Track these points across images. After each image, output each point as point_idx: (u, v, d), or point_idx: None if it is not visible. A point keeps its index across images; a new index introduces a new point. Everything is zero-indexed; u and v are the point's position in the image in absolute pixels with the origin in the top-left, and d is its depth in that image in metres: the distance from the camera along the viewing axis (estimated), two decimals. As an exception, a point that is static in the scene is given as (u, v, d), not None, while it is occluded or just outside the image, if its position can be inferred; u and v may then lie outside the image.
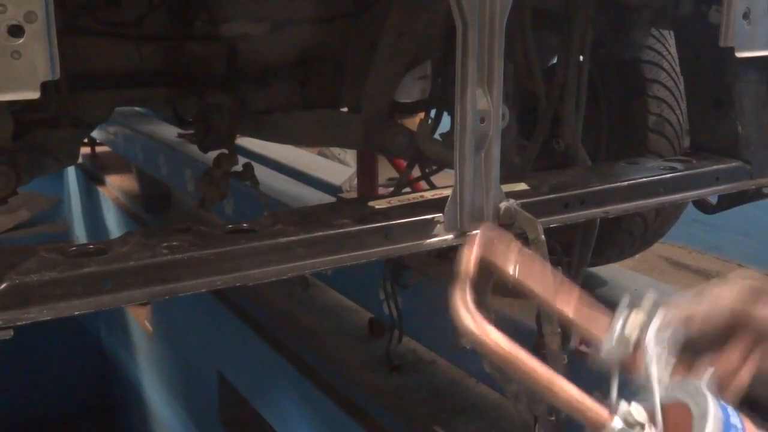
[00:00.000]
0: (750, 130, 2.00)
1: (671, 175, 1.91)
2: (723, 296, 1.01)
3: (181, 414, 5.09)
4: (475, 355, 2.43)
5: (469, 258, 0.89)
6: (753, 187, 2.04)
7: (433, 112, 2.42)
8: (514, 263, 0.91)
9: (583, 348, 2.26)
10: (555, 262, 1.98)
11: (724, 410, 0.79)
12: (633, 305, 0.92)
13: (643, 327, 0.90)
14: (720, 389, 0.89)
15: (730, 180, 1.99)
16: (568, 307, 0.93)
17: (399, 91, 2.43)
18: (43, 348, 6.20)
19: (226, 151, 2.46)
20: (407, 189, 2.52)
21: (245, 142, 3.92)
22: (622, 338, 0.90)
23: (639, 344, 0.89)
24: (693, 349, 0.96)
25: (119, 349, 6.49)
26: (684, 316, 0.96)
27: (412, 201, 1.67)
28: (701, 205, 2.21)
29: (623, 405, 0.82)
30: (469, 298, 0.88)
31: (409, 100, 2.66)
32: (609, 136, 2.52)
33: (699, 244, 5.19)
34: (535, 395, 1.72)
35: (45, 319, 1.19)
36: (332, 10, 2.30)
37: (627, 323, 0.90)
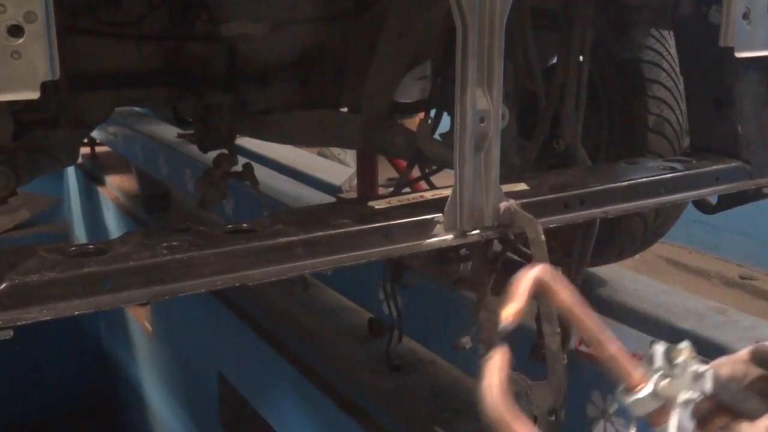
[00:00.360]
0: (750, 130, 2.00)
1: (671, 175, 1.91)
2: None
3: (181, 414, 5.09)
4: (475, 355, 2.43)
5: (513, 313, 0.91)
6: (753, 187, 2.03)
7: (433, 112, 2.41)
8: (570, 290, 0.95)
9: (582, 348, 2.26)
10: (555, 262, 1.98)
11: None
12: (671, 358, 0.95)
13: (676, 392, 0.94)
14: None
15: (730, 180, 1.99)
16: (609, 347, 0.95)
17: (399, 91, 2.43)
18: (43, 348, 6.21)
19: (226, 151, 2.46)
20: (407, 189, 2.52)
21: (245, 142, 3.93)
22: (653, 396, 0.94)
23: (666, 406, 0.93)
24: (738, 408, 0.98)
25: (119, 349, 6.49)
26: (721, 381, 0.98)
27: (412, 201, 1.67)
28: (701, 205, 2.21)
29: None
30: (505, 385, 0.90)
31: (409, 100, 2.66)
32: (609, 136, 2.52)
33: (699, 244, 5.19)
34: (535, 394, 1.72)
35: (45, 319, 1.19)
36: (332, 10, 2.30)
37: (660, 385, 0.93)
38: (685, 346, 0.95)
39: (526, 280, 0.92)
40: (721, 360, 1.04)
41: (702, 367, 0.95)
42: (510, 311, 0.89)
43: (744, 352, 1.03)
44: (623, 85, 2.46)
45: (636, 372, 0.94)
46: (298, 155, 4.91)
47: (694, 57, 2.09)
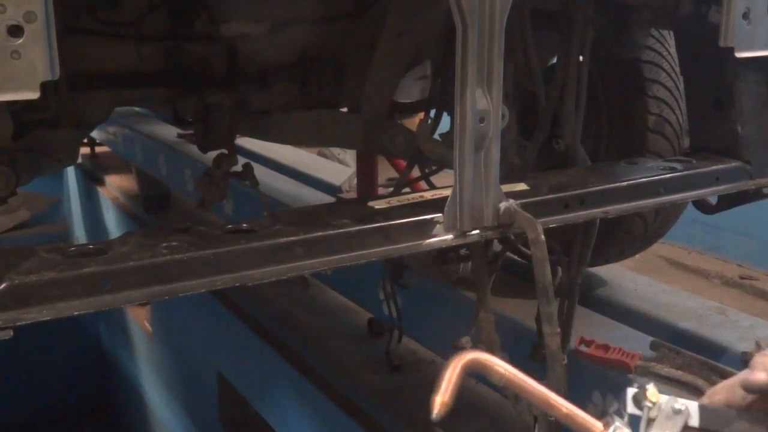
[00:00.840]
0: (750, 130, 2.00)
1: (671, 175, 1.91)
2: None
3: (181, 414, 5.09)
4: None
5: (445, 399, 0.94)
6: (753, 187, 2.03)
7: (432, 112, 2.41)
8: (506, 365, 0.98)
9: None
10: (555, 262, 1.98)
11: None
12: (638, 400, 0.98)
13: None
14: None
15: (730, 180, 1.99)
16: (563, 407, 0.98)
17: (399, 91, 2.43)
18: (43, 348, 6.20)
19: (225, 151, 2.46)
20: (407, 189, 2.52)
21: (245, 142, 3.92)
22: None
23: None
24: None
25: (119, 349, 6.49)
26: (710, 410, 1.00)
27: (411, 201, 1.67)
28: (701, 205, 2.21)
29: None
30: None
31: (409, 100, 2.66)
32: (609, 136, 2.52)
33: (699, 244, 5.19)
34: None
35: (45, 319, 1.19)
36: (332, 11, 2.30)
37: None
38: (649, 387, 0.97)
39: (454, 369, 0.94)
40: (717, 387, 1.05)
41: (680, 403, 0.97)
42: (437, 403, 0.91)
43: (740, 376, 1.03)
44: (623, 85, 2.46)
45: (595, 423, 0.96)
46: (298, 155, 4.90)
47: (694, 57, 2.09)
